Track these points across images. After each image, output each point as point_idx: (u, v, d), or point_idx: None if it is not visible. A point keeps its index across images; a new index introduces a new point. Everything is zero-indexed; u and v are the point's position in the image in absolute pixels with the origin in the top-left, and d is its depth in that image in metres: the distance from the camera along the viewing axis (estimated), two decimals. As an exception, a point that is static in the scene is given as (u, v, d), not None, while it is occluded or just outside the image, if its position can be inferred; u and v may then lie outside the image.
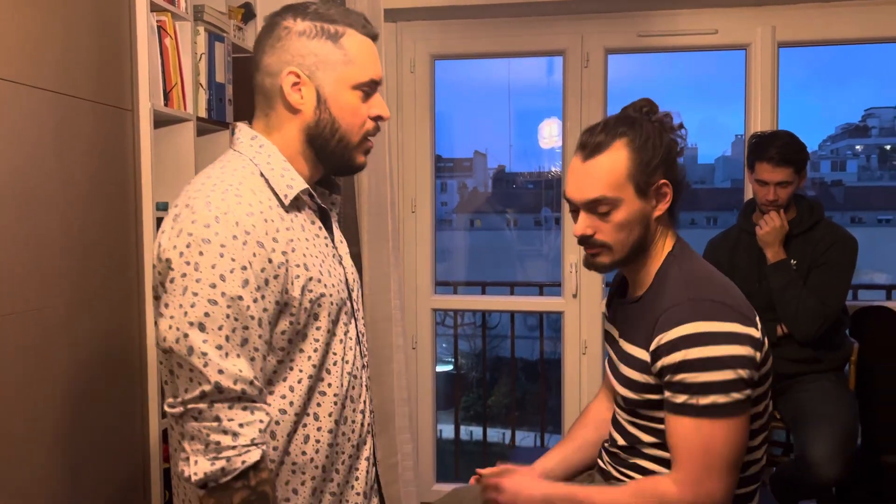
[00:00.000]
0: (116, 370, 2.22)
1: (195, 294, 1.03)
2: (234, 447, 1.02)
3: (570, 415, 2.95)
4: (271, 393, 1.13)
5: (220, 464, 1.02)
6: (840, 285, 2.34)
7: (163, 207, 2.44)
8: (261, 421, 1.05)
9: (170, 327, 1.04)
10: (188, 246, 1.05)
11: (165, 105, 2.42)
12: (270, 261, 1.08)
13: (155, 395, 2.32)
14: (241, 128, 1.22)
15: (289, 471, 1.15)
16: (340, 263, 1.26)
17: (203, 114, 2.62)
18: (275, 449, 1.13)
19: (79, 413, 2.04)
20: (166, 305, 1.05)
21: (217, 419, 1.03)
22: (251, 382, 1.04)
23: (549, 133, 4.93)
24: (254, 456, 1.03)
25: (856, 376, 2.50)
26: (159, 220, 2.41)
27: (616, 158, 1.36)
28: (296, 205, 1.18)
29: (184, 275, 1.04)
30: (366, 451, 1.27)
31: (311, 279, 1.14)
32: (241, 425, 1.03)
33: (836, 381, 2.36)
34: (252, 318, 1.05)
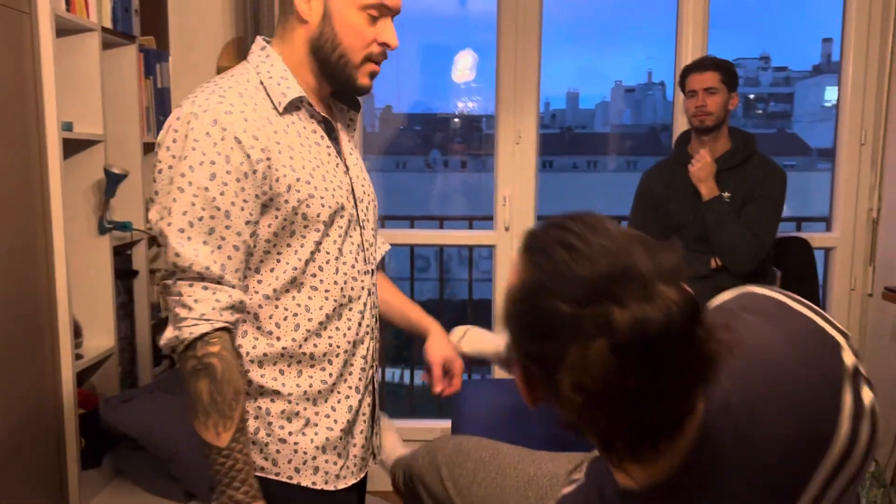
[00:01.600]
0: (22, 311, 1.99)
1: (171, 181, 1.13)
2: (185, 319, 1.11)
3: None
4: (259, 281, 1.21)
5: (175, 332, 1.12)
6: (773, 218, 2.41)
7: (67, 127, 2.18)
8: (217, 300, 1.12)
9: (156, 212, 1.15)
10: (174, 141, 1.14)
11: (67, 10, 2.14)
12: (248, 156, 1.14)
13: (67, 339, 2.11)
14: (257, 40, 1.28)
15: (277, 353, 1.23)
16: (347, 174, 1.30)
17: (108, 24, 2.35)
18: (259, 328, 1.22)
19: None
20: (156, 193, 1.15)
21: (179, 294, 1.13)
22: (207, 267, 1.12)
23: (464, 66, 4.81)
24: (201, 328, 1.11)
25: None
26: (67, 142, 2.17)
27: None
28: (292, 111, 1.23)
29: (170, 167, 1.13)
30: (362, 350, 1.32)
31: (298, 180, 1.19)
32: (195, 301, 1.11)
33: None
34: (218, 209, 1.13)
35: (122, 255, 2.55)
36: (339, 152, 1.30)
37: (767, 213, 2.40)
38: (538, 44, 2.81)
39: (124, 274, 2.54)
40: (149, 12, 2.63)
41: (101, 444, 2.30)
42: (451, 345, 1.55)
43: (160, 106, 2.72)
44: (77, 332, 2.32)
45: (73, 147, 2.28)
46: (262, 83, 1.21)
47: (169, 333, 1.13)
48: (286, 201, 1.18)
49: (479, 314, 4.04)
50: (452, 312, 4.86)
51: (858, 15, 2.74)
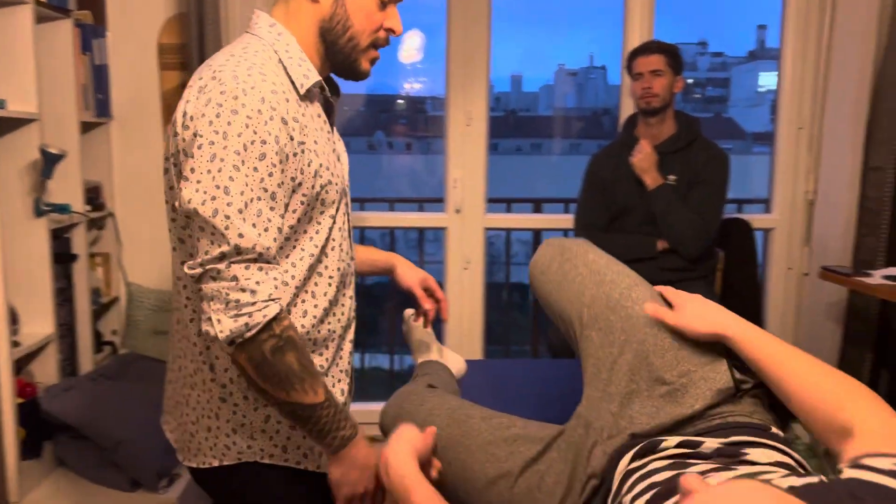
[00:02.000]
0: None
1: (222, 160, 1.06)
2: (253, 303, 1.07)
3: (451, 331, 2.95)
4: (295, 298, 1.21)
5: (242, 320, 1.07)
6: (718, 202, 2.47)
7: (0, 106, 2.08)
8: (275, 279, 1.10)
9: (196, 191, 1.06)
10: (217, 115, 1.07)
11: (-3, -19, 2.04)
12: (291, 138, 1.12)
13: (3, 326, 2.02)
14: (260, 14, 1.22)
15: None
16: (338, 160, 1.29)
17: (41, -4, 2.24)
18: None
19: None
20: (192, 170, 1.08)
21: (234, 279, 1.07)
22: (268, 248, 1.09)
23: (411, 47, 4.76)
24: (273, 309, 1.08)
25: (721, 282, 2.70)
26: (-1, 120, 2.08)
27: None
28: (308, 96, 1.21)
29: (212, 143, 1.06)
30: (350, 334, 1.33)
31: (321, 165, 1.19)
32: (257, 283, 1.08)
33: (704, 287, 2.52)
34: (266, 190, 1.09)
35: (59, 238, 2.46)
36: (331, 134, 1.30)
37: (712, 197, 2.46)
38: (488, 25, 2.80)
39: (63, 258, 2.45)
40: (85, -16, 2.53)
41: (40, 434, 2.22)
42: (416, 267, 1.57)
43: (98, 83, 2.62)
44: (14, 319, 2.23)
45: (5, 126, 2.18)
46: (281, 62, 1.17)
47: (230, 324, 1.06)
48: (312, 187, 1.17)
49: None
50: (402, 295, 4.83)
51: (797, 2, 2.82)
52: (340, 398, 1.31)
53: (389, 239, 3.46)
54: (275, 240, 1.11)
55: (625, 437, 1.16)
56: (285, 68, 1.17)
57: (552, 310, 1.39)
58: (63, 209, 2.30)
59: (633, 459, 1.08)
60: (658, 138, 2.53)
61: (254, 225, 1.08)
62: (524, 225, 3.04)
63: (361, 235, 3.29)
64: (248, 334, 1.07)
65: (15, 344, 2.14)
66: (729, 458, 1.01)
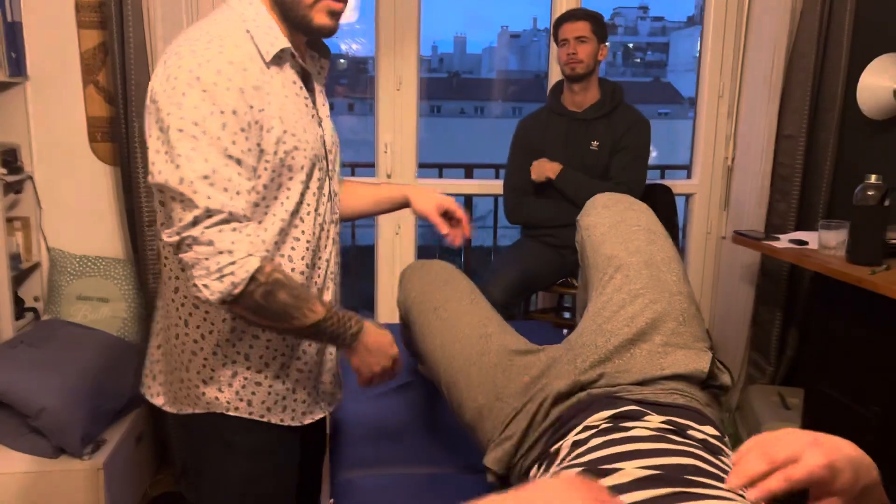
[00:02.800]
0: None
1: (181, 131, 1.11)
2: (233, 262, 1.13)
3: (384, 296, 2.99)
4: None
5: (228, 280, 1.13)
6: (639, 166, 2.55)
7: None
8: (248, 234, 1.16)
9: (165, 162, 1.12)
10: (174, 88, 1.12)
11: None
12: (251, 107, 1.16)
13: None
14: None
15: None
16: (320, 125, 1.32)
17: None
18: None
19: None
20: (159, 143, 1.13)
21: (211, 243, 1.12)
22: (234, 210, 1.14)
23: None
24: (253, 263, 1.14)
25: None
26: None
27: None
28: (277, 62, 1.23)
29: (169, 113, 1.11)
30: (327, 295, 1.37)
31: (285, 132, 1.21)
32: (233, 243, 1.13)
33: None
34: (230, 157, 1.14)
35: (-26, 202, 2.38)
36: (314, 102, 1.32)
37: (634, 162, 2.53)
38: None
39: (-23, 223, 2.37)
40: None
41: (-42, 403, 2.18)
42: (433, 191, 1.53)
43: (11, 41, 2.52)
44: (-75, 286, 2.17)
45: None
46: (248, 31, 1.20)
47: (218, 287, 1.13)
48: (275, 153, 1.20)
49: (364, 259, 4.09)
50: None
51: (720, -28, 2.89)
52: (316, 357, 1.37)
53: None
54: (245, 202, 1.16)
55: (593, 374, 1.24)
56: (252, 36, 1.20)
57: (591, 241, 1.45)
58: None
59: (611, 420, 1.12)
60: (582, 105, 2.58)
61: (225, 189, 1.13)
62: (454, 190, 3.08)
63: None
64: (237, 291, 1.13)
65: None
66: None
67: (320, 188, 1.31)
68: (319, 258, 1.34)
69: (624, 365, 1.24)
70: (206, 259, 1.13)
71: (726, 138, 3.01)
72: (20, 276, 2.65)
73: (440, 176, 3.41)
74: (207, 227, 1.12)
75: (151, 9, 2.34)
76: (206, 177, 1.12)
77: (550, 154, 2.59)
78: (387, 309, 2.98)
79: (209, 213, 1.12)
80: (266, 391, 1.31)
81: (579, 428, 1.11)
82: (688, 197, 3.12)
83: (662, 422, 1.08)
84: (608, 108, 2.57)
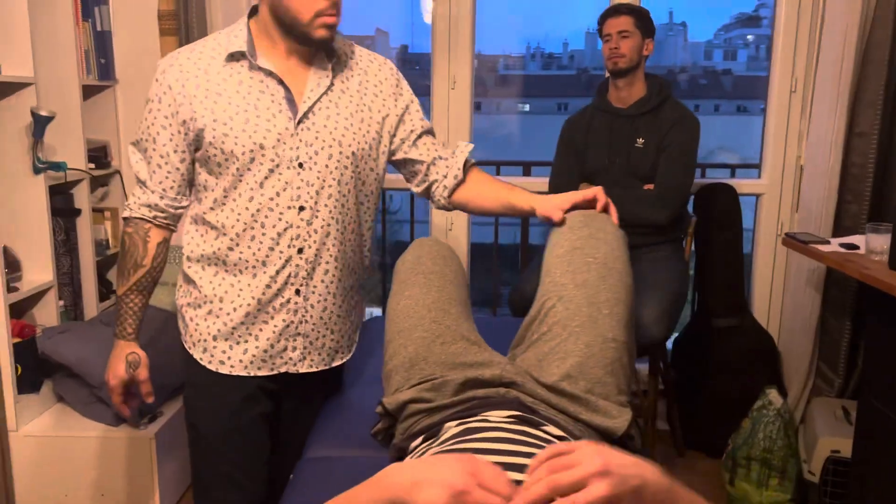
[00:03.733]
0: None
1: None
2: (128, 206, 1.59)
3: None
4: (200, 199, 1.56)
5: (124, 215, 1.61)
6: (685, 167, 2.46)
7: (-5, 71, 2.28)
8: (138, 198, 1.57)
9: None
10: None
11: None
12: (175, 100, 1.48)
13: (-1, 269, 2.24)
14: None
15: (201, 254, 1.58)
16: (292, 120, 1.48)
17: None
18: (202, 234, 1.58)
19: None
20: None
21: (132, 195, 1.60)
22: (139, 174, 1.56)
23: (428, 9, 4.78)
24: (123, 213, 1.60)
25: (692, 247, 2.70)
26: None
27: None
28: (234, 62, 1.49)
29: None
30: (271, 270, 1.53)
31: (215, 121, 1.46)
32: (132, 194, 1.59)
33: (671, 251, 2.53)
34: (150, 135, 1.52)
35: (64, 194, 2.67)
36: (292, 100, 1.48)
37: (679, 163, 2.44)
38: (473, -12, 2.83)
39: (66, 212, 2.66)
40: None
41: (38, 372, 2.45)
42: (558, 196, 1.54)
43: (101, 49, 2.79)
44: (16, 267, 2.45)
45: (4, 90, 2.38)
46: (221, 42, 1.51)
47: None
48: (203, 138, 1.47)
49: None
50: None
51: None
52: (243, 318, 1.55)
53: (410, 205, 3.58)
54: (154, 172, 1.53)
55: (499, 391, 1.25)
56: (223, 45, 1.50)
57: (547, 259, 1.42)
58: (58, 167, 2.49)
59: (511, 419, 1.14)
60: (627, 101, 2.53)
61: (141, 158, 1.56)
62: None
63: (384, 196, 3.37)
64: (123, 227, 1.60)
65: (14, 289, 2.36)
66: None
67: (270, 174, 1.48)
68: (264, 234, 1.51)
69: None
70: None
71: (799, 136, 2.84)
72: (106, 261, 2.93)
73: (497, 174, 3.42)
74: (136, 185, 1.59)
75: (213, 16, 2.53)
76: (133, 144, 1.57)
77: (594, 153, 2.55)
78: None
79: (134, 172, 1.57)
80: (193, 329, 1.60)
81: (477, 418, 1.13)
82: (757, 197, 2.97)
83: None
84: (654, 103, 2.50)
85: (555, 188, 2.64)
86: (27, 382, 2.42)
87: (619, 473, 0.74)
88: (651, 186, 2.47)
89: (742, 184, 2.89)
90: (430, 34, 2.89)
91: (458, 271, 1.55)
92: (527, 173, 3.36)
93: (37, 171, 2.44)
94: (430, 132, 1.68)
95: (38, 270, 2.51)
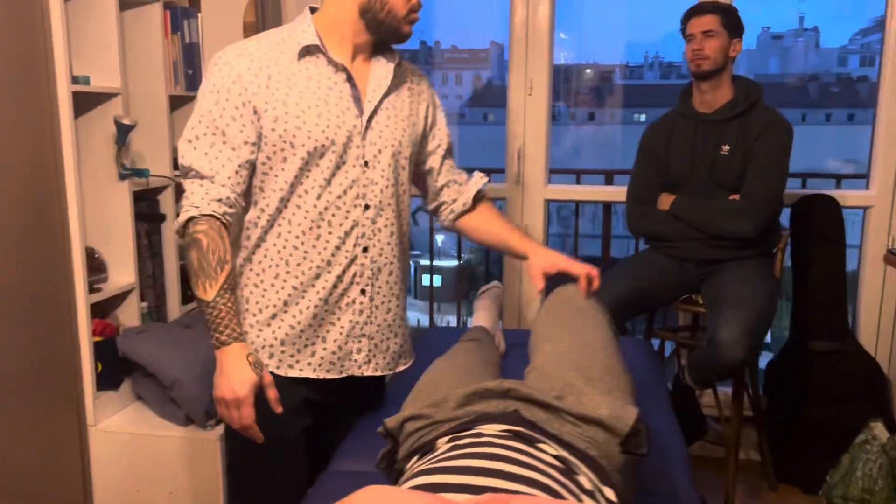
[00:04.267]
0: (42, 249, 2.23)
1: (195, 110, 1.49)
2: (183, 206, 1.44)
3: (511, 298, 2.97)
4: (256, 200, 1.51)
5: (177, 220, 1.46)
6: (772, 176, 2.27)
7: (84, 81, 2.40)
8: (206, 193, 1.42)
9: None
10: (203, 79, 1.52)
11: (79, -27, 2.33)
12: (246, 89, 1.43)
13: (80, 273, 2.35)
14: (305, 10, 1.54)
15: (262, 256, 1.53)
16: (359, 117, 1.50)
17: (126, -15, 2.53)
18: (258, 246, 1.53)
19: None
20: None
21: (185, 189, 1.46)
22: (202, 169, 1.43)
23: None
24: (190, 213, 1.42)
25: (783, 262, 2.48)
26: (87, 95, 2.40)
27: None
28: (307, 56, 1.48)
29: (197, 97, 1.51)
30: (337, 270, 1.53)
31: (286, 113, 1.44)
32: (192, 193, 1.44)
33: (759, 266, 2.33)
34: (217, 127, 1.44)
35: (150, 200, 2.78)
36: (359, 98, 1.51)
37: (767, 172, 2.26)
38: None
39: (151, 217, 2.77)
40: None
41: (117, 370, 2.56)
42: (554, 255, 1.60)
43: (189, 60, 2.90)
44: (101, 269, 2.57)
45: (93, 100, 2.50)
46: (285, 37, 1.49)
47: (176, 220, 1.46)
48: (273, 129, 1.45)
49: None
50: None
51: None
52: (312, 321, 1.53)
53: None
54: (223, 165, 1.43)
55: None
56: (290, 40, 1.49)
57: (538, 324, 1.52)
58: (141, 173, 2.60)
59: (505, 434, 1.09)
60: (712, 105, 2.37)
61: (205, 153, 1.44)
62: (587, 197, 2.98)
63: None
64: (179, 230, 1.45)
65: (98, 290, 2.48)
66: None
67: (336, 170, 1.48)
68: (330, 233, 1.49)
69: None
70: (182, 200, 1.45)
71: (913, 143, 2.57)
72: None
73: (577, 182, 3.28)
74: (185, 179, 1.46)
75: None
76: (189, 141, 1.45)
77: (675, 161, 2.40)
78: (507, 315, 2.95)
79: (186, 169, 1.45)
80: (256, 335, 1.53)
81: (471, 432, 1.05)
82: (865, 210, 2.70)
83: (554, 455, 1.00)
84: (742, 108, 2.32)
85: (634, 197, 2.51)
86: (107, 380, 2.52)
87: None
88: (737, 197, 2.30)
89: (847, 195, 2.65)
90: (508, 40, 2.83)
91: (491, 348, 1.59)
92: (608, 181, 3.22)
93: (121, 177, 2.54)
94: (451, 152, 1.74)
95: (122, 273, 2.62)
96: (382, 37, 1.51)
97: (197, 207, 1.41)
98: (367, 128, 1.51)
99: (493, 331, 1.83)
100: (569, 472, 0.97)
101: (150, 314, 2.78)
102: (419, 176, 1.72)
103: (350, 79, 1.50)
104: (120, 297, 2.64)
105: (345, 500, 0.80)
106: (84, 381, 2.40)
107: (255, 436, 1.39)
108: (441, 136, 1.70)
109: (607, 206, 3.03)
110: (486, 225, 1.73)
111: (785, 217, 2.57)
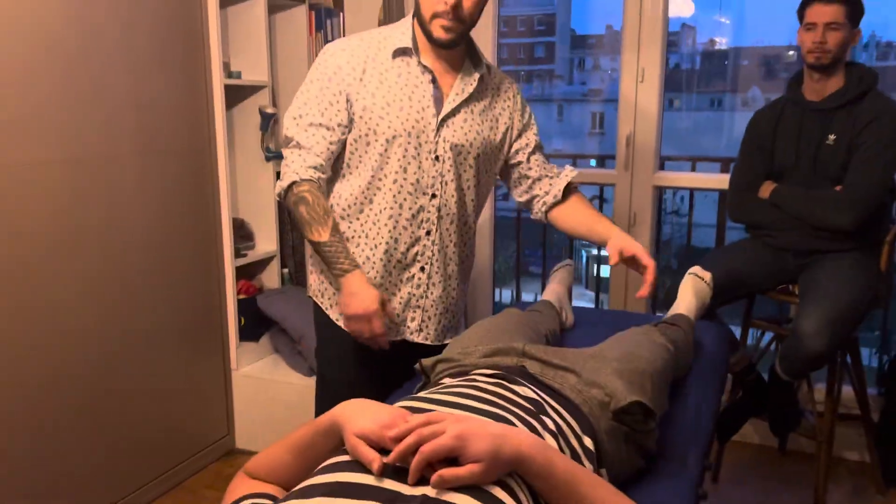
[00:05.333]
0: (190, 210, 2.64)
1: (302, 90, 1.72)
2: (286, 173, 1.66)
3: (617, 281, 3.02)
4: (344, 175, 1.73)
5: (278, 184, 1.68)
6: (879, 167, 2.16)
7: (237, 75, 2.79)
8: (304, 161, 1.64)
9: None
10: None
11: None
12: (343, 80, 1.66)
13: (228, 239, 2.75)
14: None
15: (349, 234, 1.74)
16: (436, 116, 1.69)
17: (278, -10, 2.89)
18: (342, 218, 1.74)
19: (154, 253, 2.49)
20: None
21: (285, 158, 1.69)
22: (301, 140, 1.65)
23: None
24: (292, 178, 1.64)
25: (893, 256, 2.35)
26: (239, 88, 2.80)
27: None
28: (400, 57, 1.69)
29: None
30: (402, 247, 1.74)
31: (374, 104, 1.65)
32: (292, 161, 1.66)
33: (858, 259, 2.22)
34: (318, 110, 1.66)
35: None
36: (441, 99, 1.70)
37: (872, 163, 2.16)
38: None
39: (294, 194, 3.14)
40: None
41: (258, 324, 2.96)
42: (630, 239, 1.70)
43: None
44: (249, 237, 2.98)
45: (245, 92, 2.90)
46: (387, 36, 1.71)
47: (278, 186, 1.67)
48: (360, 117, 1.67)
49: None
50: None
51: None
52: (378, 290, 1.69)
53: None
54: (318, 142, 1.64)
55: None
56: (391, 39, 1.69)
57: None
58: (279, 155, 2.96)
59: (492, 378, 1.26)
60: (822, 93, 2.29)
61: (305, 130, 1.66)
62: (699, 185, 2.96)
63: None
64: (279, 192, 1.67)
65: (244, 255, 2.88)
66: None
67: (410, 160, 1.67)
68: (401, 215, 1.70)
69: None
70: (283, 168, 1.68)
71: None
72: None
73: (693, 169, 3.23)
74: (286, 148, 1.69)
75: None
76: (294, 118, 1.68)
77: (780, 149, 2.36)
78: (615, 298, 3.00)
79: (288, 139, 1.68)
80: (326, 287, 1.80)
81: (468, 376, 1.22)
82: None
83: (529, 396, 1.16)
84: (851, 96, 2.23)
85: (735, 187, 2.49)
86: (249, 332, 2.93)
87: (472, 441, 0.86)
88: (841, 188, 2.23)
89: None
90: (621, 26, 2.88)
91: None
92: (725, 170, 3.17)
93: (266, 159, 2.93)
94: (540, 148, 1.88)
95: (266, 242, 3.02)
96: (428, 40, 1.66)
97: (297, 173, 1.63)
98: (441, 126, 1.69)
99: (561, 305, 1.96)
100: (535, 412, 1.12)
101: (290, 279, 3.16)
102: (511, 174, 1.89)
103: (434, 80, 1.70)
104: (264, 263, 3.04)
105: (335, 407, 1.00)
106: (229, 331, 2.81)
107: (384, 343, 1.67)
108: (530, 137, 1.86)
109: (722, 195, 2.99)
110: (574, 215, 1.85)
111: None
